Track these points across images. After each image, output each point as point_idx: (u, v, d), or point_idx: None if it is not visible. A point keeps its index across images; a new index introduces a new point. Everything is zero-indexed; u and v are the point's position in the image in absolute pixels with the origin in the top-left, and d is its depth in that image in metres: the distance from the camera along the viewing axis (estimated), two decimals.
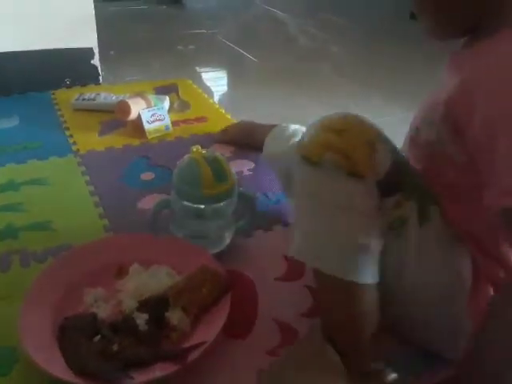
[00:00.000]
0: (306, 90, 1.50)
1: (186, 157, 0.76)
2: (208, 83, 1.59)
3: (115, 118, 1.14)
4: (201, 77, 1.63)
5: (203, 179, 0.73)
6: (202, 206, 0.74)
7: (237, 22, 2.38)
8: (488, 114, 0.44)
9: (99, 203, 0.88)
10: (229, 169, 0.75)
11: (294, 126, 0.91)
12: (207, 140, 1.09)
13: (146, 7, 2.36)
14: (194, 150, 0.76)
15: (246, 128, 1.07)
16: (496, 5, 0.49)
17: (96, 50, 1.36)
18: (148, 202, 0.87)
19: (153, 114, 1.13)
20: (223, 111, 1.28)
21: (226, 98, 1.52)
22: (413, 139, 0.58)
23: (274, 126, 0.96)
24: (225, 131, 1.11)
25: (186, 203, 0.74)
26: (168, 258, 0.71)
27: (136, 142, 1.09)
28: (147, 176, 0.97)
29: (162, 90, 1.33)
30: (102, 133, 1.13)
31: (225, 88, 1.65)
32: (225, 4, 2.59)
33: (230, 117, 1.24)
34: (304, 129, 0.89)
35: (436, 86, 0.56)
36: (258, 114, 1.27)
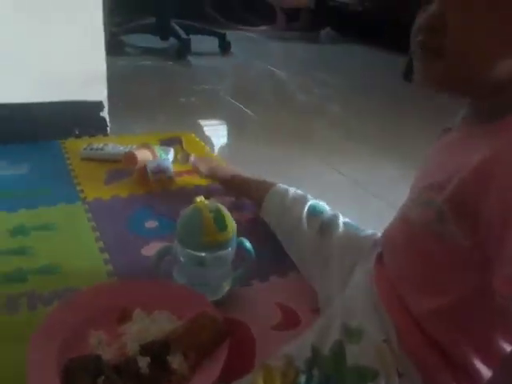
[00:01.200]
0: (303, 145, 1.58)
1: (191, 206, 0.81)
2: (210, 136, 1.67)
3: (122, 167, 1.20)
4: (203, 130, 1.71)
5: (205, 228, 0.77)
6: (203, 254, 0.78)
7: (238, 79, 2.51)
8: (505, 205, 0.42)
9: (104, 249, 0.92)
10: (230, 218, 0.80)
11: (291, 191, 0.95)
12: (208, 190, 1.15)
13: (153, 63, 2.49)
14: (198, 200, 0.81)
15: (239, 183, 1.11)
16: None
17: (106, 103, 1.44)
18: (151, 249, 0.90)
19: (157, 164, 1.19)
20: (224, 163, 1.35)
21: (226, 151, 1.59)
22: (404, 219, 0.57)
23: (267, 182, 1.01)
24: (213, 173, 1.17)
25: (187, 251, 0.79)
26: (169, 303, 0.74)
27: (141, 191, 1.15)
28: (151, 224, 1.02)
29: (166, 142, 1.40)
30: (108, 182, 1.19)
31: (225, 141, 1.73)
32: (227, 62, 2.74)
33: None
34: (300, 192, 0.95)
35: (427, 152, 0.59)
36: (256, 166, 1.34)
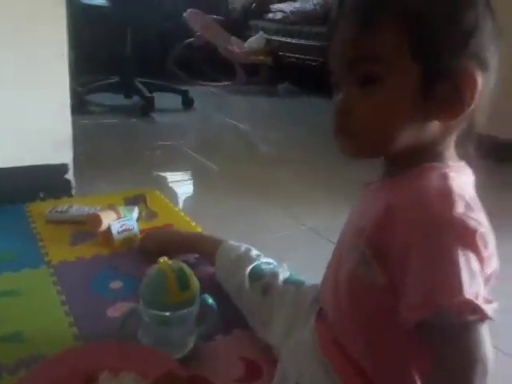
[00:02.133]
0: (264, 196, 1.65)
1: (154, 266, 0.85)
2: (174, 191, 1.72)
3: (87, 229, 1.23)
4: (167, 185, 1.77)
5: (168, 288, 0.81)
6: (167, 314, 0.81)
7: (201, 133, 2.60)
8: (405, 240, 0.51)
9: (69, 312, 0.94)
10: (193, 277, 0.84)
11: (233, 254, 1.00)
12: None
13: (117, 121, 2.55)
14: (161, 260, 0.85)
15: (189, 240, 1.15)
16: (427, 139, 0.55)
17: (70, 166, 1.48)
18: (117, 310, 0.93)
19: (122, 224, 1.23)
20: (188, 219, 1.40)
21: (189, 204, 1.64)
22: (339, 263, 0.63)
23: (216, 240, 1.06)
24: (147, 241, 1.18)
25: (151, 311, 0.82)
26: (135, 365, 0.76)
27: (105, 251, 1.18)
28: (115, 285, 1.04)
29: (131, 201, 1.44)
30: (73, 243, 1.21)
31: (189, 194, 1.78)
32: (190, 117, 2.84)
33: (194, 224, 1.35)
34: (242, 251, 0.99)
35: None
36: (219, 218, 1.40)
